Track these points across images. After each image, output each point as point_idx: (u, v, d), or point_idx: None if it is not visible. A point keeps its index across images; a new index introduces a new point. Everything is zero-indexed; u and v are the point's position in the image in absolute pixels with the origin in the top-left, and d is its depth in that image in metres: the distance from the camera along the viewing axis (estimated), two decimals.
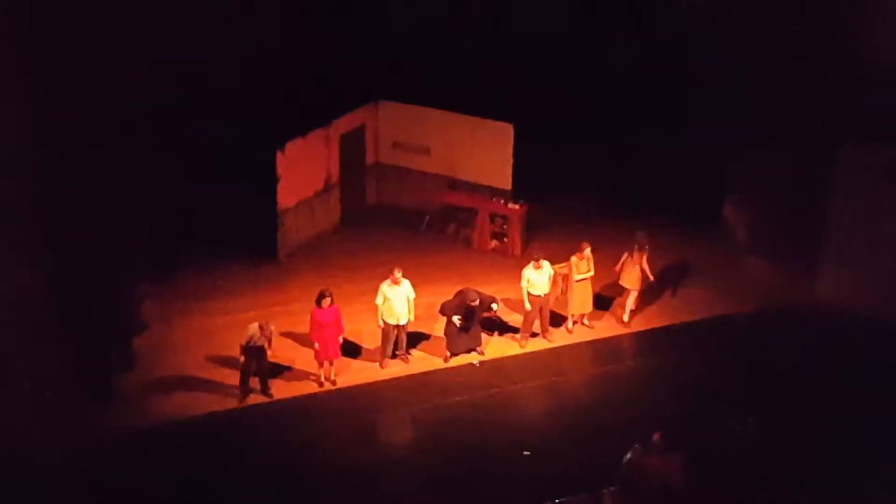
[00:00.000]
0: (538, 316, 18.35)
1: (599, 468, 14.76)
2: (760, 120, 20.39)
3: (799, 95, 19.50)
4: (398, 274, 17.23)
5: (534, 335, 18.52)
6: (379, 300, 17.31)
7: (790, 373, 17.26)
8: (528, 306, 18.14)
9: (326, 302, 16.68)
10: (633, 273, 18.75)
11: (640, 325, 19.05)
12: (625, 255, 18.81)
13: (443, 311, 17.67)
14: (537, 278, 18.04)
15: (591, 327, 18.85)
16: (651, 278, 18.96)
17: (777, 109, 20.03)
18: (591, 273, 18.47)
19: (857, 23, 18.82)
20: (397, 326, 17.43)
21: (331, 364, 17.16)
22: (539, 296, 18.13)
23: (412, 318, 17.57)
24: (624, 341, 18.64)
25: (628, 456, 14.51)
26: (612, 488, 14.46)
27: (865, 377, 17.02)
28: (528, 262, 18.25)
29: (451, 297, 17.81)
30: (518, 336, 18.46)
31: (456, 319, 17.47)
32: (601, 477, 14.60)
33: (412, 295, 17.39)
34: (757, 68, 20.38)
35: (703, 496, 14.34)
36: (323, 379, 17.14)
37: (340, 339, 17.00)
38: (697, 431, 15.64)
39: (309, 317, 16.95)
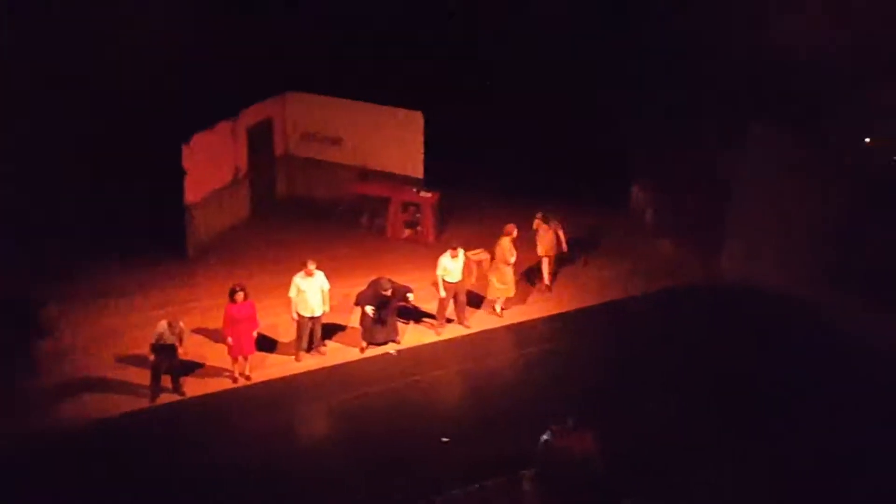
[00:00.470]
0: (454, 303, 18.32)
1: (518, 451, 14.79)
2: (666, 102, 20.71)
3: (702, 78, 19.85)
4: (312, 266, 17.04)
5: (449, 321, 18.48)
6: (292, 293, 17.10)
7: (701, 349, 17.51)
8: (442, 293, 18.10)
9: (239, 297, 16.42)
10: (546, 240, 19.05)
11: (553, 308, 19.17)
12: (536, 221, 19.05)
13: (357, 302, 17.52)
14: (454, 266, 18.01)
15: (500, 315, 18.90)
16: (565, 248, 19.28)
17: (681, 92, 20.36)
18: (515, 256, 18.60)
19: (758, 8, 19.22)
20: (312, 318, 17.24)
21: (245, 360, 16.90)
22: (454, 283, 18.10)
23: (327, 310, 17.39)
24: (538, 325, 18.73)
25: (545, 437, 14.58)
26: (530, 470, 14.50)
27: (772, 351, 17.40)
28: (445, 250, 18.18)
29: (365, 287, 17.67)
30: (434, 324, 18.40)
31: (369, 310, 17.34)
32: (520, 459, 14.64)
33: (326, 286, 17.22)
34: (659, 51, 20.68)
35: (621, 474, 14.43)
36: (237, 375, 16.87)
37: (255, 335, 16.74)
38: (614, 410, 15.79)
39: (221, 312, 16.66)
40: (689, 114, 20.32)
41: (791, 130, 18.76)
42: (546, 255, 19.41)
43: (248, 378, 16.93)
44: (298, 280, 17.06)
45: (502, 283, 18.64)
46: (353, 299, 17.66)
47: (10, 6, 17.36)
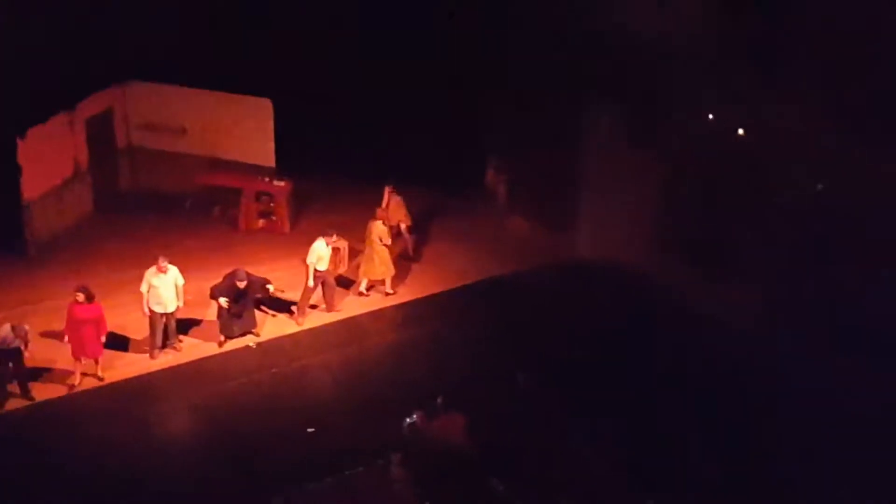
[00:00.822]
0: (324, 288, 18.04)
1: (385, 437, 14.71)
2: (512, 86, 20.85)
3: (546, 60, 20.06)
4: (164, 263, 16.44)
5: (312, 307, 18.16)
6: (144, 288, 16.48)
7: (560, 326, 17.73)
8: (311, 283, 17.74)
9: (80, 297, 15.69)
10: (399, 210, 19.36)
11: (415, 293, 19.10)
12: (386, 193, 19.31)
13: (212, 295, 17.00)
14: (327, 254, 17.72)
15: (394, 293, 18.80)
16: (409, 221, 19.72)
17: (526, 74, 20.54)
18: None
19: None
20: (165, 314, 16.64)
21: (96, 363, 16.19)
22: (323, 272, 17.78)
23: (181, 305, 16.81)
24: (401, 310, 18.63)
25: (409, 421, 14.52)
26: (397, 455, 14.41)
27: (627, 325, 17.71)
28: (314, 238, 17.81)
29: (221, 280, 17.17)
30: (295, 313, 18.05)
31: (223, 301, 16.85)
32: (387, 445, 14.57)
33: (180, 281, 16.66)
34: (506, 34, 20.79)
35: (486, 454, 14.47)
36: (78, 378, 16.05)
37: (103, 338, 16.01)
38: (479, 391, 15.80)
39: (66, 313, 15.91)
40: (539, 91, 20.49)
41: (633, 106, 19.12)
42: (401, 221, 19.50)
43: (100, 379, 16.21)
44: (150, 276, 16.43)
45: (383, 265, 18.51)
46: (209, 293, 17.12)
47: None
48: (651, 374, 16.41)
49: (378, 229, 18.43)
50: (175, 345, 16.98)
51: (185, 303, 16.95)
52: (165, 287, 16.43)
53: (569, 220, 20.53)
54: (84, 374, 16.18)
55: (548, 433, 15.27)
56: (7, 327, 15.26)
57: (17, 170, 18.62)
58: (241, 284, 16.79)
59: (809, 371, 15.59)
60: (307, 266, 17.71)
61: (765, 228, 17.58)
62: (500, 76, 21.16)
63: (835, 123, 16.15)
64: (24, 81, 18.79)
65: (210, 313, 17.48)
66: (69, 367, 16.23)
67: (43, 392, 15.83)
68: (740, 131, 18.25)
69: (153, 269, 16.44)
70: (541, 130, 20.68)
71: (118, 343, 16.87)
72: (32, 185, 19.00)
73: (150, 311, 16.55)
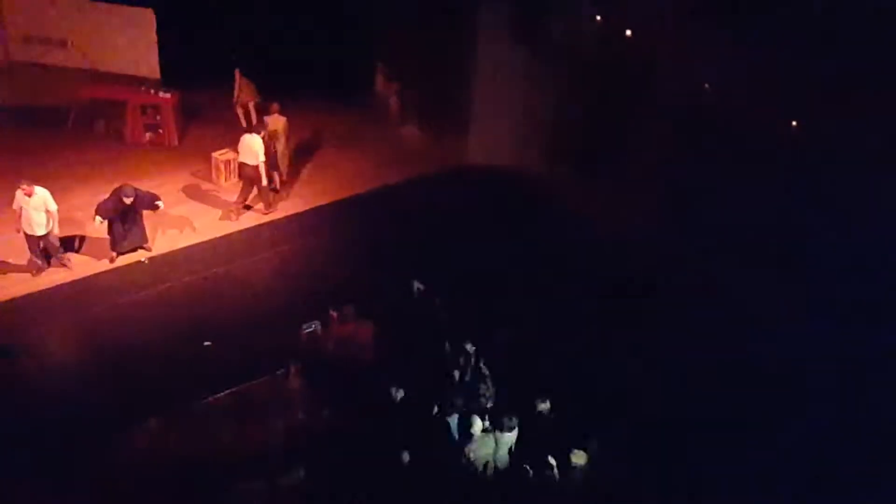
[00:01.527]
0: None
1: (284, 348, 14.90)
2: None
3: None
4: (27, 186, 16.14)
5: (247, 208, 18.61)
6: (16, 206, 16.28)
7: (457, 233, 17.99)
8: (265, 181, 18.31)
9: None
10: (248, 90, 20.36)
11: (305, 203, 19.24)
12: (236, 76, 19.94)
13: (97, 212, 16.87)
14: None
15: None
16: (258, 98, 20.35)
17: None
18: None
19: None
20: (40, 238, 16.51)
21: None
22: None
23: (55, 230, 16.61)
24: (293, 221, 18.74)
25: (307, 329, 14.80)
26: (296, 364, 14.71)
27: (520, 228, 18.15)
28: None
29: (107, 196, 17.07)
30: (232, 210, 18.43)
31: (97, 221, 16.75)
32: (285, 356, 14.75)
33: (53, 207, 16.38)
34: None
35: (386, 362, 14.89)
36: None
37: None
38: (374, 300, 15.96)
39: None
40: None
41: (518, 8, 19.26)
42: (251, 99, 20.30)
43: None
44: (19, 196, 16.23)
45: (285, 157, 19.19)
46: (95, 209, 17.02)
47: None
48: (537, 279, 16.81)
49: (284, 123, 18.92)
50: (64, 262, 16.93)
51: (58, 228, 16.70)
52: (34, 210, 16.25)
53: (458, 125, 20.71)
54: None
55: (445, 341, 15.45)
56: None
57: None
58: (128, 200, 16.72)
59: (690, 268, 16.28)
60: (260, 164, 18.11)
61: (651, 131, 18.00)
62: None
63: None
64: None
65: (100, 230, 17.34)
66: None
67: None
68: (628, 32, 18.58)
69: (20, 191, 16.22)
70: (430, 35, 20.77)
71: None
72: None
73: (24, 233, 16.42)
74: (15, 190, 16.35)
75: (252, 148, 18.16)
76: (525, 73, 19.71)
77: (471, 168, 20.36)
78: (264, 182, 18.32)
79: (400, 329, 15.35)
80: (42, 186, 16.45)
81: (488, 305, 16.10)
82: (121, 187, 16.87)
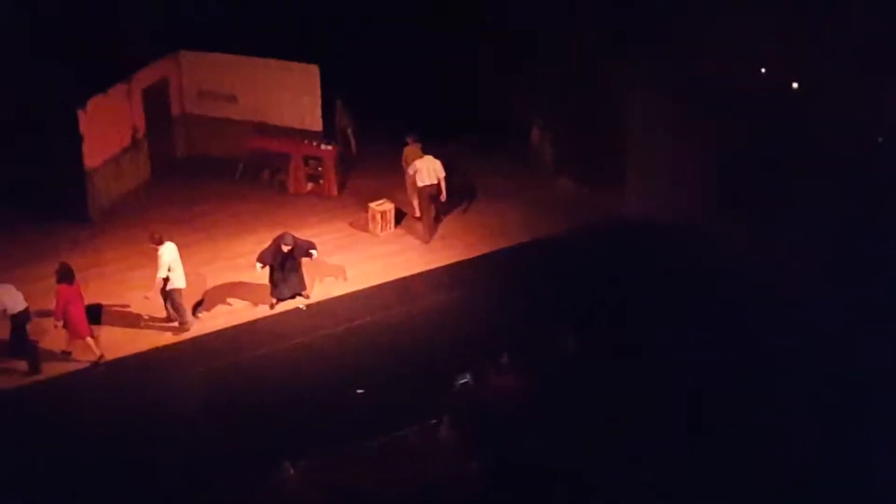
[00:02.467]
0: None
1: (434, 398, 15.10)
2: (555, 37, 20.91)
3: (588, 15, 20.12)
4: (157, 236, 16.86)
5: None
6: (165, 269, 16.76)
7: (608, 288, 17.87)
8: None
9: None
10: (345, 118, 21.56)
11: (459, 254, 19.43)
12: (338, 106, 20.98)
13: (259, 259, 17.53)
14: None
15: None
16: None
17: (567, 29, 20.61)
18: None
19: None
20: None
21: (94, 338, 16.45)
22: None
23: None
24: (448, 271, 18.95)
25: (460, 381, 14.90)
26: (446, 416, 14.81)
27: (675, 286, 17.77)
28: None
29: (269, 244, 17.72)
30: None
31: (258, 267, 17.37)
32: (436, 406, 14.95)
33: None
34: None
35: (538, 415, 14.87)
36: (67, 349, 16.37)
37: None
38: (529, 352, 16.06)
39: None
40: (583, 49, 20.57)
41: (673, 60, 19.05)
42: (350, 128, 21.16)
43: (102, 357, 16.35)
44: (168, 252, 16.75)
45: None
46: (257, 256, 17.68)
47: None
48: (699, 336, 16.36)
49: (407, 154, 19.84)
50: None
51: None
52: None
53: (614, 177, 20.57)
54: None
55: (597, 395, 15.41)
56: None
57: (79, 139, 19.31)
58: (287, 248, 17.30)
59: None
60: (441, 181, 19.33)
61: (818, 182, 17.44)
62: (534, 34, 21.28)
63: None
64: (84, 54, 19.48)
65: (261, 276, 17.86)
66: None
67: (117, 348, 16.53)
68: (794, 85, 18.19)
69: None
70: (583, 87, 20.83)
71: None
72: (94, 154, 19.70)
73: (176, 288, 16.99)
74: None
75: (434, 168, 19.29)
76: (682, 124, 19.49)
77: (627, 220, 20.18)
78: (443, 197, 19.39)
79: (554, 384, 15.33)
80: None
81: (647, 362, 15.92)
82: (281, 235, 17.51)
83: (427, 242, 19.62)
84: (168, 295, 16.93)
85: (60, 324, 16.01)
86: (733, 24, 17.99)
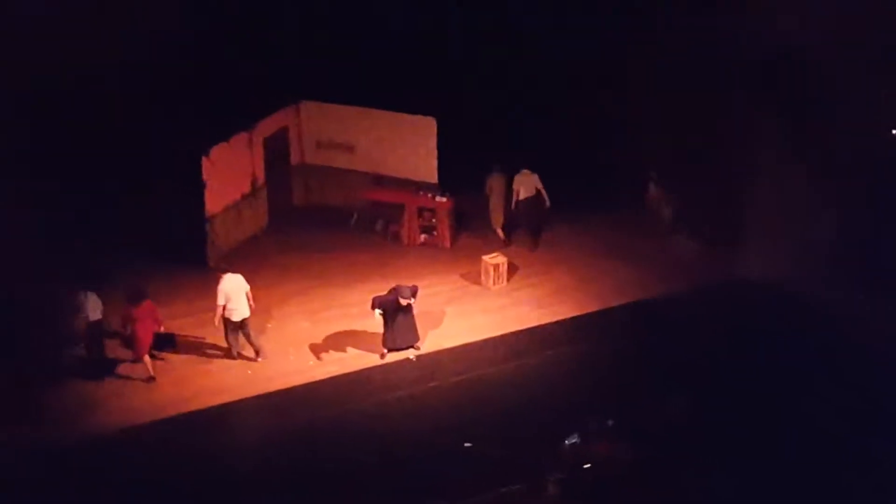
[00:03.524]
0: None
1: (541, 456, 14.90)
2: (677, 97, 20.74)
3: (704, 75, 19.90)
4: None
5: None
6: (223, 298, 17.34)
7: (721, 350, 17.52)
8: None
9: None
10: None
11: (571, 310, 19.24)
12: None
13: (373, 306, 17.58)
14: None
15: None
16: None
17: (689, 88, 20.41)
18: None
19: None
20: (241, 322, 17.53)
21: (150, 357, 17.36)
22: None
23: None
24: (557, 328, 18.77)
25: (569, 441, 14.68)
26: (555, 475, 14.61)
27: (790, 352, 17.33)
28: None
29: (385, 293, 17.76)
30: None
31: (377, 314, 17.44)
32: (544, 464, 14.75)
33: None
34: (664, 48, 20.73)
35: (647, 477, 14.55)
36: (152, 373, 17.17)
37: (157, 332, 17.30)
38: (636, 413, 15.80)
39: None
40: (702, 109, 20.33)
41: (801, 122, 18.72)
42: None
43: (153, 376, 17.15)
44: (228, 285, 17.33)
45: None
46: (370, 303, 17.75)
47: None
48: (817, 408, 16.00)
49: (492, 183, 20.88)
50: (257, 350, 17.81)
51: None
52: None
53: (733, 238, 20.16)
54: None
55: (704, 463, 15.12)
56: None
57: (201, 186, 19.87)
58: (405, 302, 17.37)
59: None
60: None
61: None
62: (666, 90, 21.12)
63: None
64: (208, 103, 20.07)
65: (373, 325, 18.00)
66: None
67: (207, 398, 16.80)
68: None
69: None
70: (700, 143, 20.56)
71: (281, 351, 17.83)
72: (215, 200, 20.20)
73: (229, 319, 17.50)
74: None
75: (531, 181, 20.63)
76: (805, 187, 19.04)
77: (745, 282, 19.69)
78: (547, 203, 20.72)
79: (663, 450, 14.99)
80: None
81: (763, 430, 15.47)
82: (399, 288, 17.52)
83: (533, 251, 20.76)
84: (237, 327, 17.41)
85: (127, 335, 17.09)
86: (867, 84, 17.56)
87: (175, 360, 17.68)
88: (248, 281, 17.62)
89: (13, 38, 16.54)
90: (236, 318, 17.36)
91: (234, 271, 17.50)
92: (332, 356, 17.86)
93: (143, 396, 16.83)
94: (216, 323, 17.42)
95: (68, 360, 17.29)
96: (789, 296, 18.79)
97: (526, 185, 20.74)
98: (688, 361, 17.27)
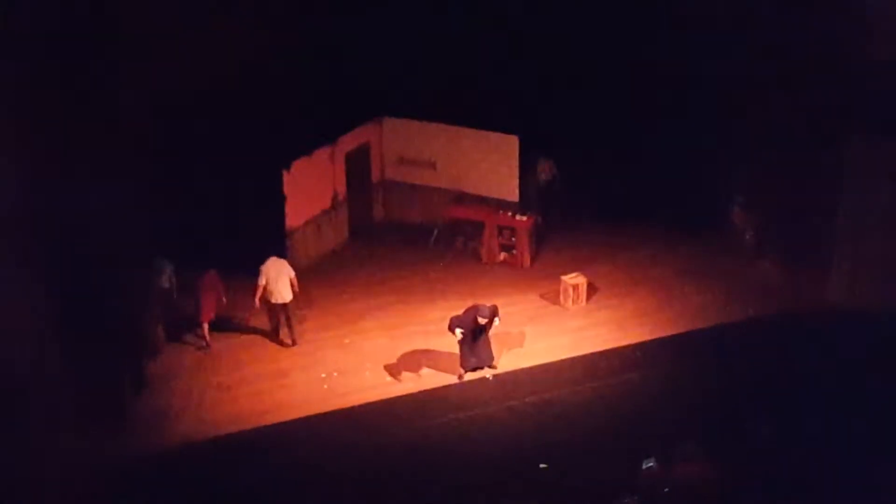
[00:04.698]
0: None
1: (619, 478, 14.61)
2: (763, 119, 20.29)
3: (800, 92, 19.41)
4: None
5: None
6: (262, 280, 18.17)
7: (805, 376, 17.08)
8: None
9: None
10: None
11: (651, 333, 18.91)
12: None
13: (450, 326, 17.38)
14: None
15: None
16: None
17: (779, 107, 19.93)
18: None
19: (852, 16, 18.72)
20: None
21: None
22: None
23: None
24: (637, 350, 18.47)
25: (647, 465, 14.39)
26: (633, 497, 14.34)
27: (878, 378, 16.80)
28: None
29: (462, 312, 17.61)
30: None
31: (458, 333, 17.32)
32: (620, 487, 14.45)
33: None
34: (756, 64, 20.27)
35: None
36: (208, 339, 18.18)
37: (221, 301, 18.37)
38: (720, 438, 15.45)
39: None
40: (787, 130, 19.87)
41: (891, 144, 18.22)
42: None
43: (207, 344, 18.21)
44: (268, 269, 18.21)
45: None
46: (448, 323, 17.64)
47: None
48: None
49: None
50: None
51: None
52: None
53: (822, 265, 19.68)
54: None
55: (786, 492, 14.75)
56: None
57: (282, 199, 20.00)
58: (483, 321, 17.22)
59: None
60: None
61: None
62: (747, 108, 20.68)
63: None
64: (291, 117, 20.22)
65: (449, 344, 17.88)
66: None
67: (283, 413, 16.81)
68: None
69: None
70: (793, 169, 20.09)
71: (358, 367, 17.83)
72: (295, 214, 20.36)
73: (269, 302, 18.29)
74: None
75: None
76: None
77: (830, 308, 19.19)
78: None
79: (742, 473, 14.59)
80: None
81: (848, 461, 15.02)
82: (477, 307, 17.35)
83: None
84: (277, 310, 18.25)
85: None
86: None
87: (251, 373, 17.78)
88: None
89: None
90: (276, 300, 18.07)
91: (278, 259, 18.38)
92: (409, 373, 17.78)
93: (220, 409, 16.93)
94: (257, 303, 18.17)
95: (149, 367, 17.52)
96: (875, 325, 18.19)
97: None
98: (774, 387, 16.89)
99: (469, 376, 17.68)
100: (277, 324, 18.44)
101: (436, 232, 21.80)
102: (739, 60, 20.30)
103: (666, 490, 14.31)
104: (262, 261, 18.30)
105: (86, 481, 14.63)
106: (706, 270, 20.69)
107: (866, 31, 18.51)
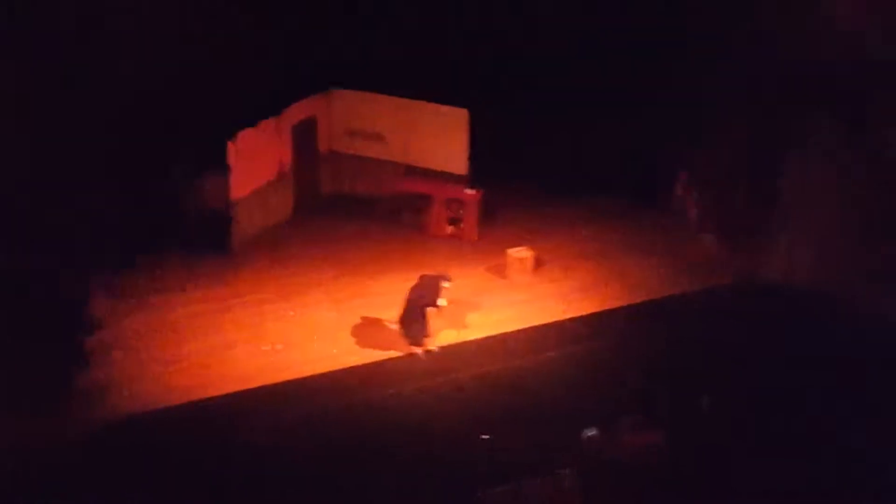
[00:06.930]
0: None
1: (558, 449, 14.86)
2: (706, 94, 20.45)
3: (744, 70, 19.59)
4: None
5: None
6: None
7: (744, 350, 17.34)
8: None
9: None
10: None
11: (596, 306, 19.05)
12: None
13: (426, 301, 17.44)
14: None
15: None
16: None
17: (723, 84, 20.11)
18: None
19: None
20: None
21: None
22: None
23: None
24: (580, 323, 18.60)
25: (587, 434, 14.58)
26: (570, 468, 14.51)
27: (815, 351, 17.12)
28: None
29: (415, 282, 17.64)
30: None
31: (441, 302, 17.44)
32: (560, 458, 14.69)
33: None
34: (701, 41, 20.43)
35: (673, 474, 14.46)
36: None
37: None
38: (664, 408, 15.70)
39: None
40: (733, 108, 20.06)
41: (845, 128, 18.41)
42: None
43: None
44: None
45: None
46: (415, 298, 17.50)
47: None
48: (838, 409, 15.86)
49: None
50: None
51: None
52: None
53: (757, 238, 19.97)
54: None
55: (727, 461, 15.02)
56: None
57: (226, 169, 19.84)
58: (447, 285, 17.50)
59: None
60: None
61: None
62: (695, 89, 20.83)
63: None
64: (237, 88, 20.02)
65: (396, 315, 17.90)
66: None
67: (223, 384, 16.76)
68: None
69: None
70: (736, 144, 20.30)
71: (305, 340, 17.78)
72: (239, 186, 20.18)
73: None
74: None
75: None
76: (835, 189, 18.72)
77: (766, 282, 19.48)
78: None
79: (682, 444, 14.84)
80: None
81: (778, 429, 15.28)
82: (436, 275, 17.61)
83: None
84: None
85: None
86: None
87: (195, 347, 17.65)
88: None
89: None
90: None
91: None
92: (355, 346, 17.77)
93: (162, 382, 16.81)
94: None
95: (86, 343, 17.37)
96: (811, 295, 18.54)
97: None
98: (711, 359, 17.11)
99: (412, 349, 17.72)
100: None
101: (383, 205, 21.69)
102: (686, 37, 20.49)
103: (609, 458, 14.54)
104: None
105: (18, 460, 14.52)
106: (650, 245, 20.84)
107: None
